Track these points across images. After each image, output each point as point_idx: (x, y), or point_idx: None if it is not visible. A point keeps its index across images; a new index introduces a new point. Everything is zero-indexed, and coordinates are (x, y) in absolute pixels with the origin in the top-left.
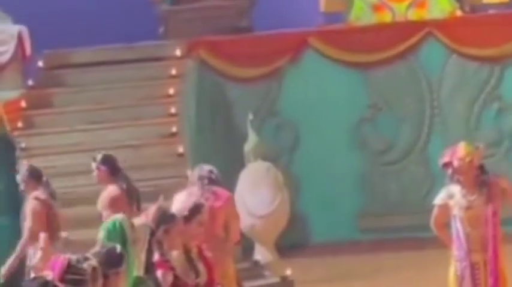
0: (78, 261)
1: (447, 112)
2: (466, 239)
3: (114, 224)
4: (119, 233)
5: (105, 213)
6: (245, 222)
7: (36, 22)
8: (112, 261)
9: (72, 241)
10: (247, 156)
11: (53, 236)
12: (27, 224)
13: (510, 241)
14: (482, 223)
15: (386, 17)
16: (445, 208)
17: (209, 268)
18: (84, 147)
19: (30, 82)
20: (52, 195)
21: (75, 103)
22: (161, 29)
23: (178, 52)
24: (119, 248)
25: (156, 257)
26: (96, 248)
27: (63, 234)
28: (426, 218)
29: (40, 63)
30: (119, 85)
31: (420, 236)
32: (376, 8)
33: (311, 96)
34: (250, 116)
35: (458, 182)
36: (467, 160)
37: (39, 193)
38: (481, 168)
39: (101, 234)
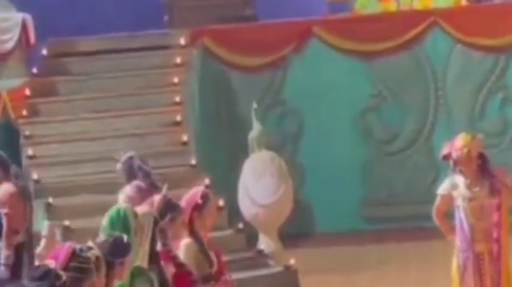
0: (81, 250)
1: (452, 102)
2: (470, 229)
3: (118, 212)
4: (122, 222)
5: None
6: (249, 211)
7: (40, 10)
8: (119, 250)
9: (75, 230)
10: (251, 145)
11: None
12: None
13: None
14: (486, 214)
15: (392, 6)
16: (447, 198)
17: (218, 257)
18: (89, 135)
19: (34, 70)
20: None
21: (79, 91)
22: (166, 18)
23: (182, 41)
24: (125, 237)
25: (158, 246)
26: (102, 237)
27: (66, 222)
28: (431, 208)
29: (44, 52)
30: (123, 74)
31: (425, 226)
32: None
33: (315, 85)
34: (255, 105)
35: (461, 173)
36: (465, 150)
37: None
38: (482, 157)
39: (104, 221)
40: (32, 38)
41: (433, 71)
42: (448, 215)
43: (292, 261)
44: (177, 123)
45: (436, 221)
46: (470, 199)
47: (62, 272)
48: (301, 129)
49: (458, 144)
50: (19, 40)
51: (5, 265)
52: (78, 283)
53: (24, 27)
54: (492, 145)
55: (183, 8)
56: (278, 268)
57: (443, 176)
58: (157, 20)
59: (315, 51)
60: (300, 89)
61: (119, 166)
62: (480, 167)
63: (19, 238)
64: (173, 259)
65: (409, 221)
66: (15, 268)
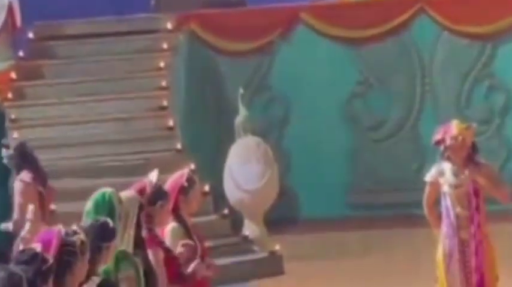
0: (67, 234)
1: (438, 89)
2: (455, 216)
3: (103, 196)
4: (107, 206)
5: None
6: (234, 196)
7: None
8: (105, 235)
9: (59, 214)
10: (238, 130)
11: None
12: None
13: (500, 219)
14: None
15: None
16: (436, 185)
17: (201, 242)
18: (74, 119)
19: (20, 53)
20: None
21: (66, 75)
22: (152, 2)
23: (169, 25)
24: (111, 222)
25: (144, 233)
26: (87, 221)
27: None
28: (416, 195)
29: (30, 35)
30: (109, 57)
31: (411, 213)
32: None
33: (302, 71)
34: (241, 90)
35: (449, 159)
36: (460, 138)
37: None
38: (473, 147)
39: (89, 205)
40: (18, 21)
41: (420, 58)
42: (438, 204)
43: (277, 247)
44: (163, 108)
45: (425, 211)
46: (456, 186)
47: (48, 256)
48: (288, 115)
49: (453, 131)
50: (5, 23)
51: None
52: (63, 267)
53: (10, 10)
54: (478, 132)
55: None
56: (263, 254)
57: (429, 164)
58: (144, 4)
59: (302, 37)
60: (287, 75)
61: (9, 152)
62: (469, 156)
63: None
64: (160, 244)
65: (395, 208)
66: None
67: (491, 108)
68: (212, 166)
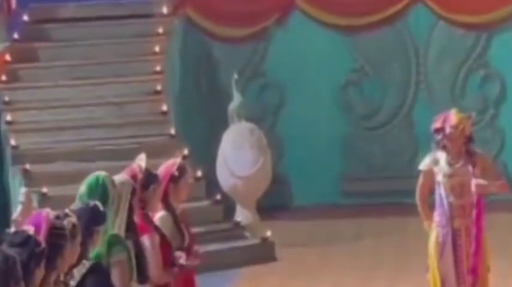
0: (58, 217)
1: (433, 78)
2: (449, 205)
3: (97, 180)
4: (100, 190)
5: None
6: (227, 182)
7: None
8: (96, 218)
9: (52, 197)
10: (231, 116)
11: None
12: None
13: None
14: (465, 191)
15: None
16: (429, 174)
17: (188, 229)
18: (68, 103)
19: (15, 36)
20: None
21: (60, 58)
22: None
23: (164, 10)
24: (101, 206)
25: (138, 218)
26: (78, 205)
27: (43, 189)
28: (409, 184)
29: (25, 17)
30: (104, 41)
31: (402, 202)
32: None
33: (297, 58)
34: (235, 76)
35: (444, 149)
36: (461, 127)
37: None
38: (470, 137)
39: (82, 189)
40: (13, 3)
41: (415, 47)
42: (431, 194)
43: (269, 233)
44: (157, 93)
45: (418, 201)
46: (450, 176)
47: (41, 239)
48: (282, 102)
49: (454, 120)
50: (0, 5)
51: None
52: (54, 250)
53: None
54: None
55: None
56: (255, 240)
57: (422, 152)
58: None
59: (298, 24)
60: (282, 62)
61: None
62: (465, 146)
63: None
64: (157, 229)
65: (387, 197)
66: None
67: (486, 98)
68: (205, 152)
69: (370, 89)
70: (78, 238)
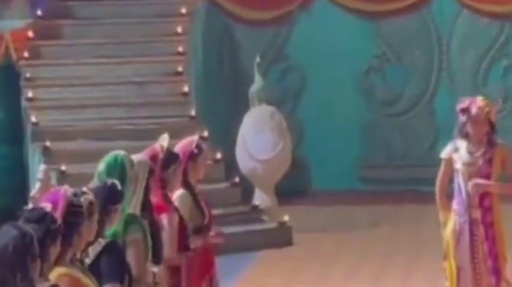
0: (75, 194)
1: (455, 66)
2: (467, 194)
3: (115, 158)
4: (119, 169)
5: None
6: (246, 165)
7: None
8: (114, 197)
9: (70, 174)
10: (252, 99)
11: None
12: None
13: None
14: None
15: None
16: (451, 163)
17: (208, 209)
18: (89, 81)
19: (38, 12)
20: None
21: (83, 36)
22: None
23: None
24: (119, 184)
25: (158, 198)
26: (96, 183)
27: (62, 167)
28: (428, 172)
29: None
30: (127, 20)
31: (420, 190)
32: None
33: (320, 42)
34: (257, 59)
35: (466, 136)
36: (486, 110)
37: None
38: (493, 126)
39: (101, 167)
40: None
41: (438, 35)
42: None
43: (286, 218)
44: (179, 74)
45: (436, 190)
46: (469, 164)
47: (57, 216)
48: (303, 86)
49: (480, 103)
50: None
51: None
52: (70, 228)
53: None
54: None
55: None
56: (272, 224)
57: (443, 141)
58: None
59: (322, 8)
60: (304, 46)
61: None
62: (487, 135)
63: None
64: (177, 210)
65: (405, 184)
66: None
67: (508, 88)
68: (225, 134)
69: (392, 75)
70: (95, 216)
